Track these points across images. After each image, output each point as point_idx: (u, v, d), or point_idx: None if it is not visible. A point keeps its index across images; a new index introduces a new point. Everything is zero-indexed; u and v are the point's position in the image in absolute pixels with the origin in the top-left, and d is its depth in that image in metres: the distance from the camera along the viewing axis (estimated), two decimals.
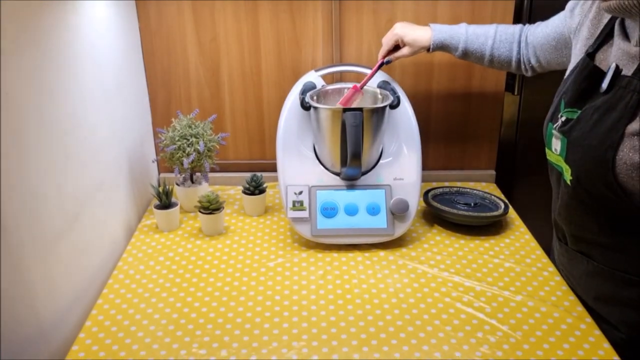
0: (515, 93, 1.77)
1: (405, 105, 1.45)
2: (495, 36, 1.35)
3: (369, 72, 1.49)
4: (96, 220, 1.27)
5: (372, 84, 1.47)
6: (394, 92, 1.44)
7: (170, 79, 1.65)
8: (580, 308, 1.16)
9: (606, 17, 1.07)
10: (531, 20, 1.73)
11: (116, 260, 1.35)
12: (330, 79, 1.62)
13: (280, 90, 1.65)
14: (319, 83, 1.47)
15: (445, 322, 1.13)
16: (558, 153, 1.09)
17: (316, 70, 1.50)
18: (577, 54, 1.14)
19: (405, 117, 1.45)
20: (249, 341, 1.07)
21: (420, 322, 1.13)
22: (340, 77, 1.64)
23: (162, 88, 1.66)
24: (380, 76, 1.48)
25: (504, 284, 1.25)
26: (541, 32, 1.28)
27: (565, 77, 1.16)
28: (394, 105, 1.41)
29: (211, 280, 1.26)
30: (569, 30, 1.19)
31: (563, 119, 1.09)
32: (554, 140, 1.11)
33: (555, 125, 1.11)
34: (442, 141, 1.73)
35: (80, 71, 1.20)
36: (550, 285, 1.24)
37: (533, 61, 1.32)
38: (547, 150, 1.16)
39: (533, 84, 1.75)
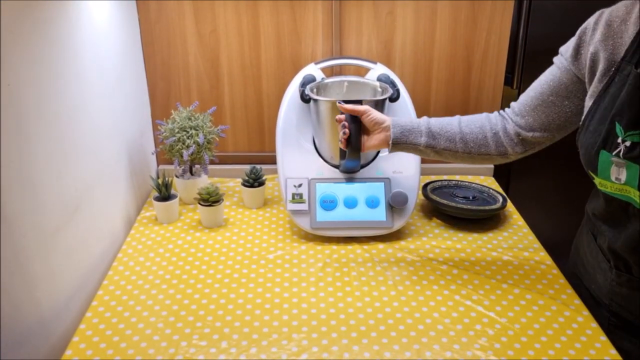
0: (514, 87, 1.77)
1: (405, 99, 1.46)
2: (461, 118, 1.22)
3: (368, 65, 1.50)
4: (96, 212, 1.27)
5: (372, 77, 1.47)
6: (393, 85, 1.44)
7: (169, 70, 1.65)
8: (577, 301, 1.17)
9: (630, 30, 1.00)
10: (530, 19, 1.74)
11: (116, 251, 1.35)
12: (330, 71, 1.62)
13: (280, 83, 1.65)
14: (319, 76, 1.47)
15: (444, 314, 1.13)
16: (624, 182, 1.00)
17: (316, 63, 1.50)
18: (599, 78, 1.05)
19: (405, 110, 1.46)
20: (248, 333, 1.08)
21: (418, 314, 1.13)
22: (340, 70, 1.64)
23: (161, 80, 1.66)
24: (380, 69, 1.48)
25: (502, 277, 1.25)
26: (529, 97, 1.16)
27: (594, 100, 1.05)
28: (394, 99, 1.42)
29: (211, 272, 1.26)
30: (577, 69, 1.10)
31: (628, 144, 0.98)
32: (614, 168, 1.01)
33: (615, 152, 1.00)
34: None
35: (80, 63, 1.19)
36: (547, 279, 1.25)
37: (524, 132, 1.16)
38: (600, 180, 1.05)
39: (532, 78, 1.75)
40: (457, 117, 1.23)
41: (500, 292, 1.20)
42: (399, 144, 1.19)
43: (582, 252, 1.25)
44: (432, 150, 1.20)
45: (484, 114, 1.22)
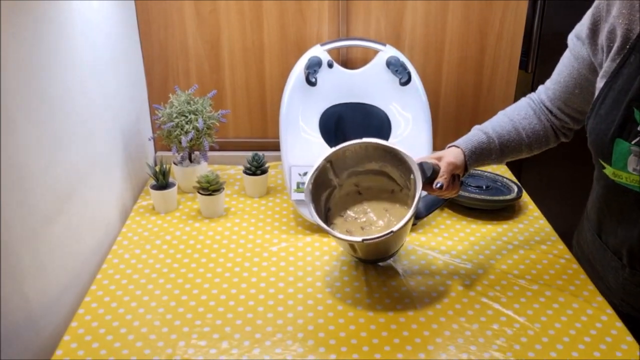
0: (529, 70, 1.69)
1: (416, 83, 1.38)
2: (524, 126, 1.13)
3: (376, 46, 1.41)
4: (89, 201, 1.20)
5: (382, 59, 1.39)
6: (404, 68, 1.36)
7: (167, 52, 1.57)
8: (600, 298, 1.10)
9: None
10: (543, 20, 1.65)
11: (110, 243, 1.28)
12: (336, 53, 1.54)
13: (284, 65, 1.57)
14: (325, 58, 1.39)
15: (458, 312, 1.07)
16: None
17: (322, 45, 1.42)
18: (613, 57, 0.96)
19: (416, 95, 1.38)
20: (251, 332, 1.01)
21: (432, 312, 1.07)
22: (346, 52, 1.56)
23: (158, 62, 1.58)
24: (390, 51, 1.40)
25: (519, 272, 1.18)
26: (557, 92, 1.10)
27: (606, 81, 0.97)
28: (405, 82, 1.34)
29: (211, 266, 1.19)
30: (593, 52, 1.01)
31: None
32: (632, 158, 0.93)
33: (635, 141, 0.92)
34: (452, 120, 1.66)
35: (72, 44, 1.12)
36: (568, 274, 1.18)
37: (570, 121, 1.12)
38: (614, 170, 0.97)
39: (548, 61, 1.66)
40: (517, 124, 1.13)
41: (518, 288, 1.13)
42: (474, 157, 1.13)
43: (586, 250, 1.19)
44: (496, 162, 1.17)
45: (532, 112, 1.14)
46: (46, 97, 1.01)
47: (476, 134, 1.13)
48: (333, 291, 1.12)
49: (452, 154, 1.10)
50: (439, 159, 1.10)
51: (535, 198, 1.48)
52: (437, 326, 1.03)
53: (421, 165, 1.06)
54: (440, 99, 1.63)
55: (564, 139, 1.16)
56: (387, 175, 1.16)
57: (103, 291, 1.11)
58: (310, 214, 1.09)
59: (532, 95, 1.16)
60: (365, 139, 1.11)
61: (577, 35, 1.04)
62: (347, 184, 1.19)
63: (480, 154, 1.11)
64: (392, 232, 1.02)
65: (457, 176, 1.11)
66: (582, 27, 1.02)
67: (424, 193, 1.10)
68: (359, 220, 1.17)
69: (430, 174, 1.05)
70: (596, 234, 1.12)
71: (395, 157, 1.10)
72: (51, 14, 1.04)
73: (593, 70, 1.02)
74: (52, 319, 1.04)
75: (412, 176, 1.07)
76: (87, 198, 1.19)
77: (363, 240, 1.03)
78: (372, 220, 1.16)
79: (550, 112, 1.12)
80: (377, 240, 1.03)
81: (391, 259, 1.21)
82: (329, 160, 1.13)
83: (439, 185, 1.06)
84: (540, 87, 1.15)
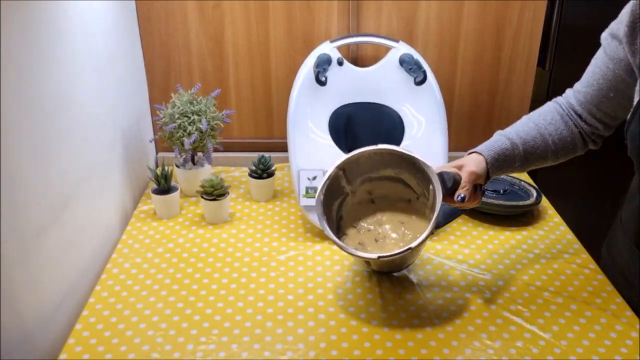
0: (546, 67, 1.62)
1: (432, 82, 1.31)
2: (549, 131, 1.05)
3: (389, 43, 1.34)
4: (87, 207, 1.14)
5: (394, 57, 1.32)
6: (419, 66, 1.30)
7: (169, 49, 1.50)
8: (629, 313, 1.04)
9: None
10: (561, 21, 1.58)
11: (110, 251, 1.22)
12: (346, 50, 1.47)
13: (291, 63, 1.50)
14: (335, 55, 1.32)
15: (480, 328, 1.00)
16: None
17: (331, 41, 1.35)
18: None
19: (431, 95, 1.31)
20: (259, 350, 0.95)
21: (451, 328, 1.00)
22: (356, 49, 1.49)
23: (160, 59, 1.51)
24: (403, 48, 1.34)
25: (542, 283, 1.12)
26: (590, 95, 1.02)
27: None
28: (420, 82, 1.27)
29: (215, 276, 1.13)
30: (632, 52, 0.93)
31: None
32: None
33: None
34: (465, 120, 1.59)
35: (68, 41, 1.05)
36: (593, 285, 1.11)
37: (601, 127, 1.04)
38: None
39: (566, 58, 1.60)
40: (543, 130, 1.05)
41: (542, 301, 1.07)
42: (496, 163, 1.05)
43: (619, 261, 1.12)
44: (520, 171, 1.10)
45: (559, 117, 1.06)
46: (42, 98, 0.95)
47: (499, 139, 1.06)
48: (345, 304, 1.06)
49: (473, 162, 1.03)
50: (460, 167, 1.03)
51: (554, 202, 1.42)
52: (458, 343, 0.97)
53: (441, 175, 0.99)
54: (454, 97, 1.56)
55: (593, 146, 1.09)
56: (403, 182, 1.10)
57: (102, 304, 1.05)
58: (323, 228, 1.02)
59: (559, 99, 1.09)
60: (380, 145, 1.04)
61: (613, 34, 0.96)
62: (360, 190, 1.12)
63: (504, 162, 1.04)
64: (410, 248, 0.95)
65: (479, 185, 1.04)
66: (619, 25, 0.95)
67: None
68: (372, 232, 1.10)
69: (451, 185, 0.99)
70: (634, 245, 1.05)
71: (413, 166, 1.04)
72: (48, 13, 0.97)
73: (631, 72, 0.95)
74: (48, 335, 0.98)
75: (430, 187, 1.01)
76: (85, 204, 1.12)
77: (379, 257, 0.96)
78: (387, 233, 1.09)
79: (580, 117, 1.05)
80: (393, 257, 0.97)
81: (406, 269, 1.15)
82: (341, 168, 1.07)
83: (460, 197, 0.99)
84: (569, 91, 1.08)
